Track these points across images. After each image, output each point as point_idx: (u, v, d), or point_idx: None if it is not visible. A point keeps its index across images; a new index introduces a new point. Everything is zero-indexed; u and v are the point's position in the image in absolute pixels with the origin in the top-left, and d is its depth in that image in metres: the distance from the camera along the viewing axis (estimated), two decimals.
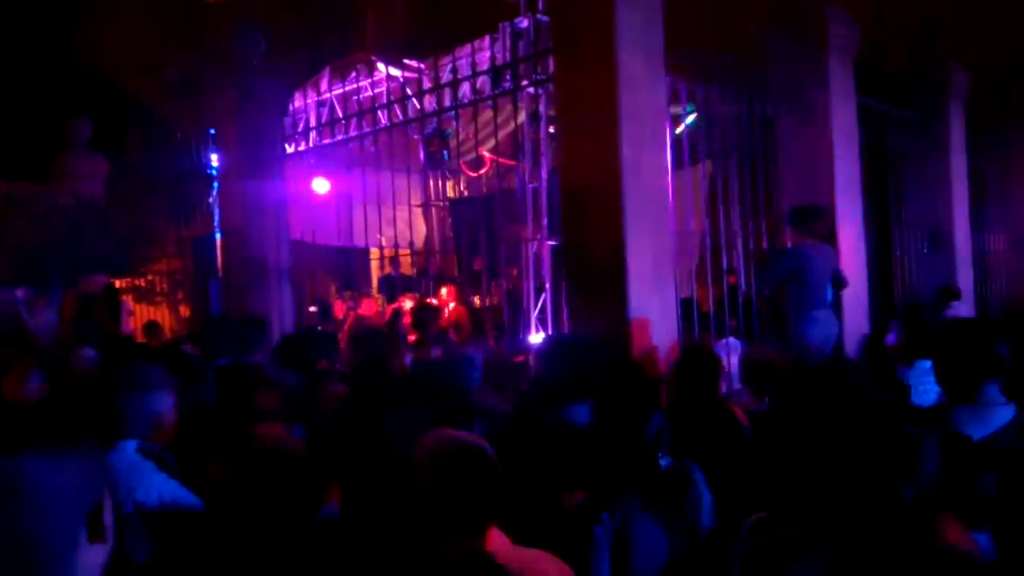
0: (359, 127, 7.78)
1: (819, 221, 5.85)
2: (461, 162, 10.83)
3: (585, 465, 2.34)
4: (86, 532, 1.20)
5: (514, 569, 1.67)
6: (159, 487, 2.39)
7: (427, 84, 7.46)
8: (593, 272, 4.99)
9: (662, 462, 2.67)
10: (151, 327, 8.84)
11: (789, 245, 5.91)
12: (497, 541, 1.75)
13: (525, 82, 6.50)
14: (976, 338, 2.05)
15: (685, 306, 5.94)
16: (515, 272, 9.26)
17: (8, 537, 1.14)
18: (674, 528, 2.30)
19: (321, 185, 9.54)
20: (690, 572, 2.27)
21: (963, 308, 7.66)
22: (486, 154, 10.25)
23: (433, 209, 13.33)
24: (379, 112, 7.77)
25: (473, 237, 11.09)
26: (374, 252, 11.90)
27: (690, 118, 7.52)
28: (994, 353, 2.00)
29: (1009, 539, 1.70)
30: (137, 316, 10.15)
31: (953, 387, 2.05)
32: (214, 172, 8.79)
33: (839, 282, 5.83)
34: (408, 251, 9.65)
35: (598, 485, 2.27)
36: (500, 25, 6.82)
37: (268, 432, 1.87)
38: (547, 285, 7.55)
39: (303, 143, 8.70)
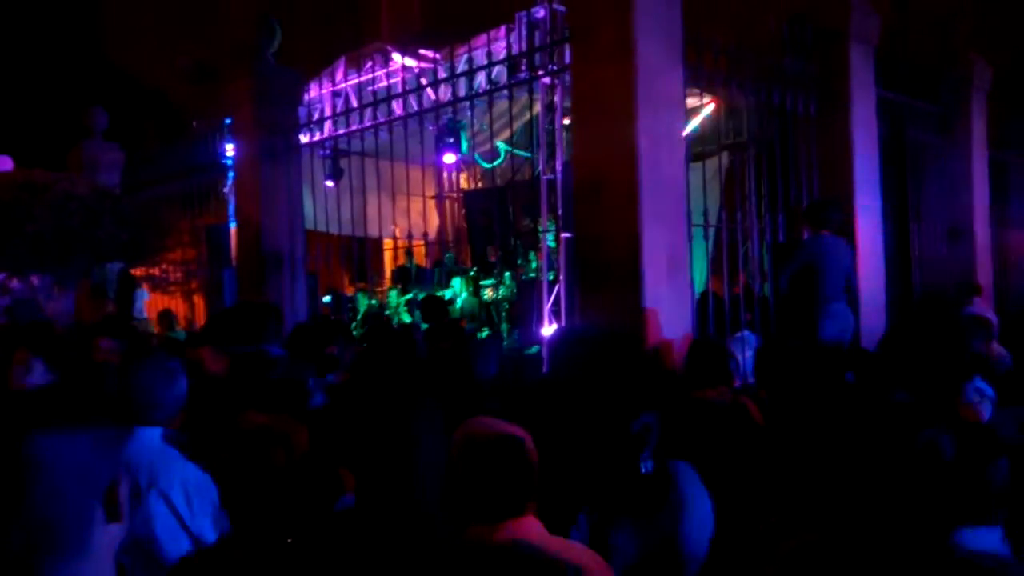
0: (374, 117, 7.76)
1: (835, 213, 5.78)
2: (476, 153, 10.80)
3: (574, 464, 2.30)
4: (103, 511, 1.22)
5: (552, 555, 1.68)
6: (182, 475, 2.38)
7: (442, 74, 7.43)
8: (607, 263, 4.95)
9: (646, 464, 2.56)
10: (164, 316, 8.89)
11: (806, 237, 5.84)
12: (533, 526, 1.75)
13: (541, 72, 6.46)
14: (949, 339, 2.01)
15: (701, 299, 5.90)
16: (529, 264, 9.22)
17: (25, 514, 1.15)
18: (650, 534, 2.21)
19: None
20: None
21: (983, 305, 7.55)
22: (501, 145, 10.22)
23: (447, 200, 13.32)
24: (394, 102, 7.74)
25: (487, 229, 11.06)
26: (387, 243, 11.89)
27: (708, 109, 7.46)
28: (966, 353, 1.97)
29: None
30: (152, 305, 10.20)
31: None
32: (229, 162, 8.79)
33: (848, 285, 5.77)
34: (422, 242, 9.64)
35: (580, 485, 2.23)
36: (516, 15, 6.77)
37: (260, 418, 1.85)
38: (561, 277, 7.51)
39: (318, 133, 8.70)
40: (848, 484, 1.40)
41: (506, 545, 1.68)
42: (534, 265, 9.54)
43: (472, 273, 10.83)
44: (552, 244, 8.01)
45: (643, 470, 2.36)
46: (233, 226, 8.68)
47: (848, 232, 6.26)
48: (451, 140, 9.10)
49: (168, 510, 2.32)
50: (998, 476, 2.00)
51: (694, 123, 7.33)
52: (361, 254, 10.13)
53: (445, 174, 13.11)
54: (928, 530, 1.34)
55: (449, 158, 9.34)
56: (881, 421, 1.51)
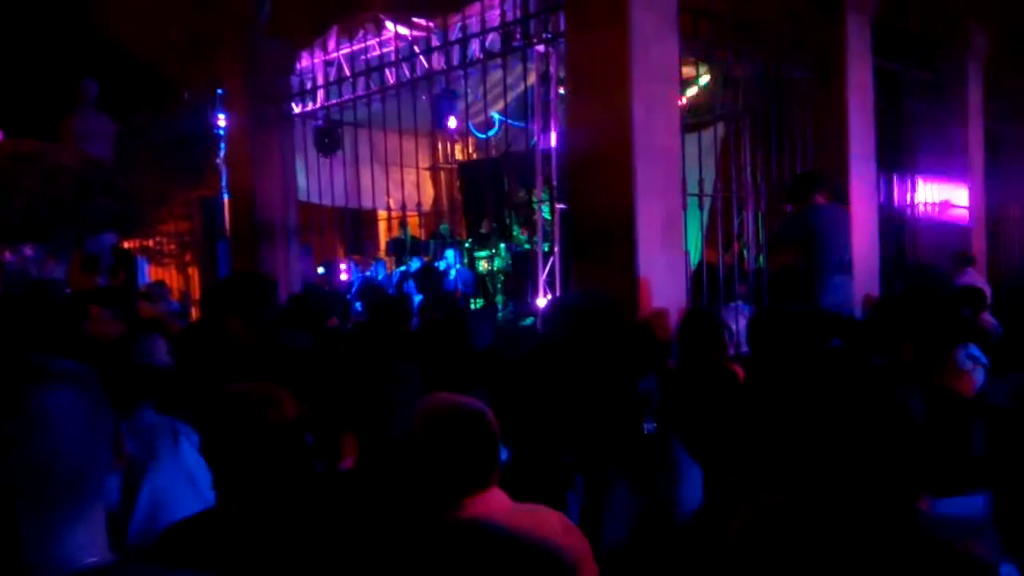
0: (367, 86, 7.69)
1: (831, 184, 5.75)
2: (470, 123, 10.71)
3: (572, 426, 2.29)
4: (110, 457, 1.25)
5: (514, 529, 1.65)
6: (181, 446, 2.40)
7: (436, 43, 7.35)
8: (602, 234, 4.94)
9: (647, 427, 2.59)
10: (156, 286, 8.87)
11: (809, 205, 5.79)
12: (497, 499, 1.73)
13: (535, 40, 6.39)
14: (942, 305, 2.04)
15: (696, 270, 5.90)
16: (524, 235, 9.20)
17: (42, 462, 1.17)
18: (646, 495, 2.22)
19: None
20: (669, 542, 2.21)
21: (976, 275, 7.57)
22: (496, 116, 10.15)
23: (441, 172, 13.25)
24: (387, 71, 7.66)
25: (482, 200, 11.02)
26: (381, 214, 11.84)
27: (703, 79, 7.40)
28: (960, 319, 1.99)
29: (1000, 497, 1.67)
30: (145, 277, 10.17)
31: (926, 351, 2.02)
32: (221, 132, 8.72)
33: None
34: (416, 213, 9.61)
35: (578, 447, 2.21)
36: None
37: (248, 386, 1.85)
38: (556, 248, 7.50)
39: (310, 103, 8.62)
40: (819, 445, 1.40)
41: (470, 522, 1.65)
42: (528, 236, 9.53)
43: (467, 244, 10.81)
44: (547, 215, 8.00)
45: (645, 431, 2.39)
46: (226, 198, 8.63)
47: (843, 201, 6.25)
48: (449, 107, 9.01)
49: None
50: (975, 443, 2.02)
51: (690, 93, 7.28)
52: (355, 225, 10.09)
53: (440, 145, 13.02)
54: (896, 496, 1.35)
55: (452, 122, 9.25)
56: (855, 383, 1.51)
